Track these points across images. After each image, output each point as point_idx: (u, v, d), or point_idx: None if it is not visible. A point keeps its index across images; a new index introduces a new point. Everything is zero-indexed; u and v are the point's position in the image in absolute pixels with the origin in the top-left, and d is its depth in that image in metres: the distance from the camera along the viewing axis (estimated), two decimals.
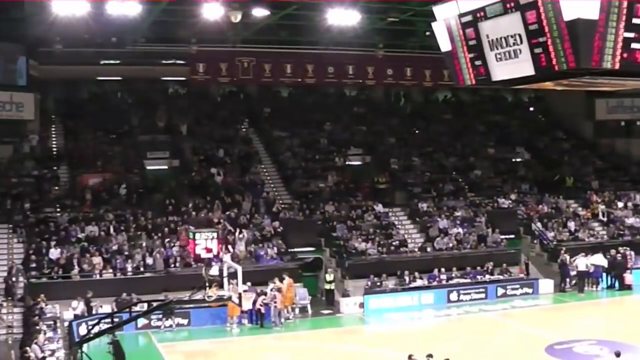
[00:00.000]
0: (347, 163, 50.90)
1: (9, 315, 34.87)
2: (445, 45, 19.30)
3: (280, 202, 46.12)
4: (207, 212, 42.85)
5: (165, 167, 48.06)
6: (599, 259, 41.99)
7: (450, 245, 43.74)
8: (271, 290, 36.27)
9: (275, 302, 35.85)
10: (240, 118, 53.59)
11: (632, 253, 43.22)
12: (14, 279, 35.97)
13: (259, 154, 50.65)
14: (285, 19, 43.24)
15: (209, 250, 37.43)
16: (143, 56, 48.69)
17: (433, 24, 19.38)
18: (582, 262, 41.80)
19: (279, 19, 43.38)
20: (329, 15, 39.84)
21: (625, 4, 15.47)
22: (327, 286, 39.75)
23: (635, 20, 15.70)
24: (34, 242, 38.81)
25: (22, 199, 41.82)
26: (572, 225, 47.20)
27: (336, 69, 51.29)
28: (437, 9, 19.31)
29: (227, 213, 43.06)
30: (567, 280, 42.15)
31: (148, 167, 47.16)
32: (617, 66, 15.75)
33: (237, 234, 41.02)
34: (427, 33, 40.33)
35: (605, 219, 48.66)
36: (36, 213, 41.23)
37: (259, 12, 40.87)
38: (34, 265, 37.41)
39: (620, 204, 50.33)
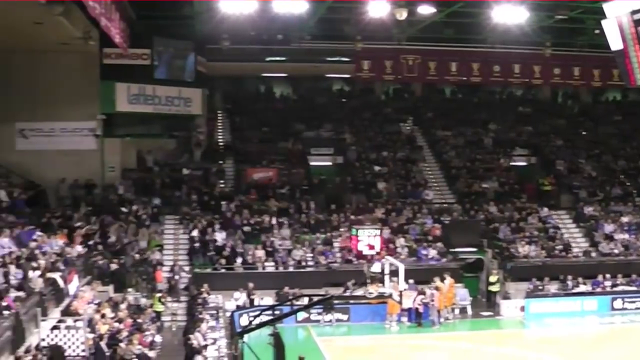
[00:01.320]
0: (511, 164, 50.07)
1: (174, 304, 35.73)
2: (616, 44, 18.80)
3: (444, 202, 45.74)
4: (370, 210, 42.87)
5: (329, 163, 48.33)
6: None
7: (616, 251, 42.38)
8: (430, 289, 36.06)
9: (433, 302, 35.61)
10: (404, 116, 53.37)
11: None
12: (176, 277, 36.80)
13: (422, 153, 50.30)
14: (451, 16, 42.75)
15: (371, 247, 37.57)
16: (308, 53, 48.97)
17: (603, 22, 18.90)
18: None
19: (445, 17, 42.93)
20: (495, 12, 39.20)
21: None
22: (491, 288, 39.17)
23: None
24: (199, 232, 39.65)
25: (189, 191, 42.82)
26: None
27: (502, 68, 50.39)
28: (607, 6, 18.82)
29: (390, 211, 43.00)
30: None
31: (312, 164, 47.51)
32: None
33: (399, 232, 40.98)
34: (597, 31, 39.27)
35: None
36: (202, 205, 42.16)
37: (425, 10, 40.53)
38: (199, 255, 38.28)
39: None
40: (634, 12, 18.60)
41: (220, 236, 38.96)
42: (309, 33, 47.48)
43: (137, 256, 36.95)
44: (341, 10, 43.46)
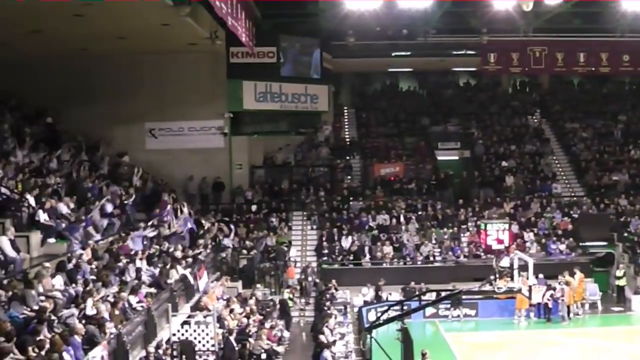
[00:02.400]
0: None
1: (302, 299, 36.06)
2: None
3: (573, 195, 44.98)
4: (498, 204, 42.48)
5: (456, 158, 48.06)
6: None
7: None
8: (560, 284, 35.49)
9: (563, 297, 35.04)
10: (532, 109, 52.68)
11: None
12: (309, 278, 37.07)
13: (551, 146, 49.56)
14: (579, 6, 41.79)
15: (500, 242, 37.20)
16: (434, 47, 48.62)
17: None
18: None
19: (572, 7, 42.04)
20: (624, 0, 38.28)
21: None
22: (618, 282, 38.31)
23: None
24: (326, 229, 40.02)
25: (317, 187, 43.18)
26: None
27: (632, 57, 49.00)
28: None
29: (518, 206, 42.58)
30: None
31: (439, 158, 47.30)
32: None
33: (528, 226, 40.51)
34: None
35: None
36: (329, 201, 42.50)
37: (551, 0, 39.85)
38: (326, 251, 38.60)
39: None
40: None
41: (347, 241, 39.16)
42: (434, 27, 47.15)
43: (265, 253, 37.53)
44: (466, 3, 43.04)
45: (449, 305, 34.57)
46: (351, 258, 38.37)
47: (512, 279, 33.92)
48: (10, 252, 20.08)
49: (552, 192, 44.86)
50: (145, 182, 37.06)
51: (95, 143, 37.57)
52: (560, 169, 47.70)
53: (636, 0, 37.92)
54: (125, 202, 31.32)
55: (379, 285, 35.72)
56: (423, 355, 24.17)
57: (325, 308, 32.41)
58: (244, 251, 37.46)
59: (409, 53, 50.07)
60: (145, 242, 28.79)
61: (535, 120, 52.07)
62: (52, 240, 23.34)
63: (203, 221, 36.60)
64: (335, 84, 49.53)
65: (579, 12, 44.94)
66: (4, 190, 24.34)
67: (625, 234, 41.24)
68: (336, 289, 35.15)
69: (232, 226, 38.38)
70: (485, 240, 37.73)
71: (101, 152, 37.23)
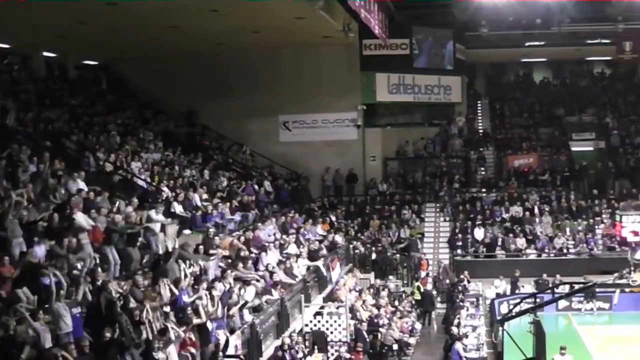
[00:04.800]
0: None
1: (433, 291, 36.20)
2: None
3: None
4: (634, 195, 41.80)
5: (591, 148, 47.41)
6: None
7: None
8: None
9: None
10: None
11: None
12: (441, 277, 37.14)
13: None
14: None
15: (635, 234, 36.68)
16: (568, 37, 48.03)
17: None
18: None
19: None
20: None
21: None
22: None
23: None
24: (459, 220, 40.16)
25: (450, 179, 43.29)
26: None
27: None
28: None
29: None
30: None
31: (574, 149, 46.76)
32: None
33: None
34: None
35: None
36: (463, 193, 42.60)
37: None
38: (459, 243, 38.75)
39: None
40: None
41: (479, 233, 39.18)
42: (568, 16, 46.65)
43: (398, 245, 37.91)
44: None
45: (582, 298, 34.25)
46: (484, 250, 38.44)
47: None
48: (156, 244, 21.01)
49: None
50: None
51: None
52: None
53: None
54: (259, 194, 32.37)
55: (515, 277, 35.64)
56: (562, 349, 24.31)
57: (458, 300, 32.60)
58: (377, 243, 37.91)
59: (543, 43, 49.59)
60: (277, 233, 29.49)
61: None
62: (187, 231, 24.19)
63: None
64: (469, 75, 49.59)
65: None
66: (141, 182, 25.47)
67: None
68: (468, 281, 35.25)
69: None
70: (621, 232, 37.26)
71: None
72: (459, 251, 38.71)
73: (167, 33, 32.07)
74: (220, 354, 17.84)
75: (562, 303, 33.85)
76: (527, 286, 34.91)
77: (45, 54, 36.00)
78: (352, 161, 42.41)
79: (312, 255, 28.93)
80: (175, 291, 17.51)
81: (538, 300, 25.16)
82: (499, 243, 38.50)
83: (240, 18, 30.53)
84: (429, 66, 44.11)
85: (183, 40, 34.10)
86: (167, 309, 16.75)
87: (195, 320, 17.19)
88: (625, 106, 50.76)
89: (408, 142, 45.02)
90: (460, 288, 34.54)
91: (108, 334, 14.37)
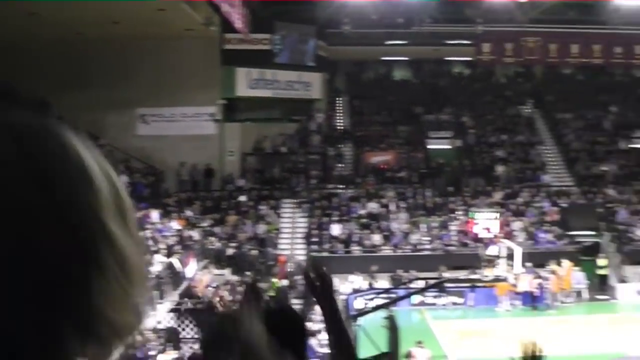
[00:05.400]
0: (632, 146, 49.04)
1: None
2: None
3: (562, 184, 45.27)
4: (488, 193, 42.80)
5: (448, 146, 48.28)
6: None
7: None
8: (547, 272, 35.85)
9: (549, 285, 35.40)
10: (525, 99, 52.90)
11: None
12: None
13: (542, 136, 49.83)
14: None
15: (488, 230, 37.53)
16: (429, 37, 48.79)
17: None
18: None
19: None
20: None
21: None
22: (600, 271, 38.62)
23: None
24: (316, 216, 40.31)
25: (308, 175, 43.42)
26: None
27: (625, 50, 49.36)
28: None
29: (508, 195, 42.88)
30: None
31: (431, 147, 47.52)
32: None
33: (516, 215, 40.85)
34: None
35: None
36: (320, 189, 42.76)
37: None
38: (316, 239, 38.88)
39: None
40: None
41: (336, 228, 39.42)
42: (430, 16, 47.38)
43: (254, 241, 37.81)
44: None
45: (436, 293, 34.86)
46: (340, 246, 38.66)
47: (499, 267, 34.41)
48: None
49: (541, 182, 45.11)
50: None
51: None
52: (550, 159, 47.93)
53: None
54: None
55: (372, 272, 35.94)
56: (419, 342, 24.66)
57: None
58: (234, 239, 37.72)
59: (404, 42, 50.19)
60: None
61: (528, 110, 52.24)
62: None
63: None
64: (330, 72, 49.76)
65: (574, 4, 45.38)
66: None
67: (613, 224, 41.57)
68: None
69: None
70: (473, 229, 38.04)
71: None
72: (315, 247, 38.81)
73: (24, 20, 31.16)
74: None
75: (418, 298, 34.39)
76: (383, 282, 35.28)
77: None
78: (210, 156, 41.94)
79: (168, 251, 28.61)
80: None
81: (393, 295, 25.43)
82: (355, 239, 38.77)
83: (100, 8, 29.92)
84: (290, 62, 44.10)
85: (41, 28, 33.17)
86: None
87: None
88: (482, 106, 51.86)
89: (267, 137, 44.93)
90: None
91: None
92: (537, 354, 4.79)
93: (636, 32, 47.47)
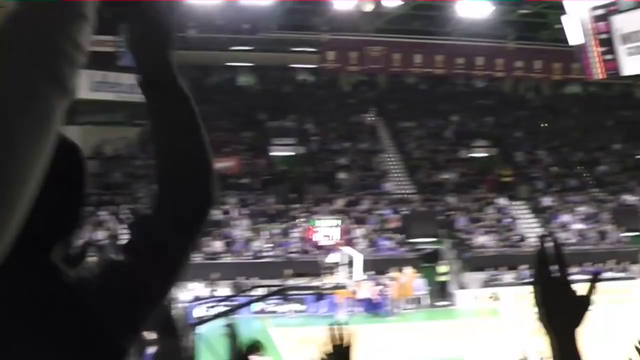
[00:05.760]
0: (472, 155, 50.56)
1: None
2: (575, 38, 19.20)
3: (403, 192, 46.14)
4: (330, 200, 43.22)
5: (292, 153, 48.56)
6: None
7: (571, 240, 43.08)
8: (388, 279, 36.45)
9: (390, 292, 36.01)
10: (368, 107, 53.66)
11: None
12: None
13: (384, 144, 50.68)
14: (417, 9, 43.05)
15: (329, 238, 37.88)
16: (274, 43, 48.97)
17: (563, 17, 19.26)
18: None
19: (411, 9, 43.18)
20: (460, 6, 39.52)
21: None
22: (441, 278, 39.59)
23: None
24: None
25: (150, 180, 42.88)
26: None
27: (466, 60, 50.73)
28: (567, 2, 19.18)
29: (350, 202, 43.41)
30: None
31: (275, 154, 47.68)
32: None
33: (358, 222, 41.38)
34: (558, 26, 39.65)
35: None
36: None
37: (391, 2, 40.75)
38: None
39: None
40: (593, 9, 18.94)
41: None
42: (275, 23, 47.56)
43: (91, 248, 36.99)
44: (308, 1, 43.59)
45: (277, 301, 34.96)
46: None
47: (340, 274, 34.72)
48: None
49: (383, 189, 45.86)
50: None
51: None
52: (392, 167, 48.79)
53: (471, 6, 39.15)
54: None
55: (213, 280, 35.79)
56: (256, 349, 24.58)
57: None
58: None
59: (249, 48, 50.21)
60: None
61: (371, 119, 53.02)
62: None
63: None
64: None
65: (418, 15, 46.26)
66: None
67: (453, 231, 42.72)
68: None
69: None
70: (314, 236, 38.35)
71: None
72: None
73: None
74: None
75: (258, 306, 34.41)
76: (225, 289, 35.16)
77: None
78: None
79: None
80: None
81: (234, 303, 25.41)
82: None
83: None
84: (131, 65, 43.53)
85: None
86: None
87: None
88: (326, 113, 52.29)
89: (108, 141, 44.20)
90: None
91: None
92: (345, 343, 4.79)
93: (477, 43, 48.92)
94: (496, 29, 46.80)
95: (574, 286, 2.65)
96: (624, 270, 41.59)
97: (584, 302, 2.64)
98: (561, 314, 2.65)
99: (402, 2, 41.26)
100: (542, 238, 2.76)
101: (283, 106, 52.06)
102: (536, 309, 2.69)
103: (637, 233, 44.70)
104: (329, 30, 48.00)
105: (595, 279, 2.66)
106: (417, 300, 38.02)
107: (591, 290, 2.66)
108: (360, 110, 53.29)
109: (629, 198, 47.80)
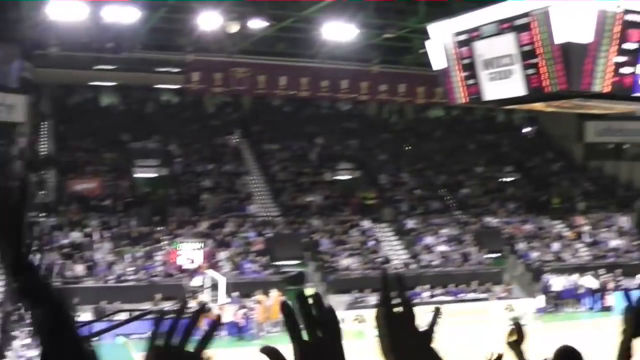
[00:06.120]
0: (337, 177, 50.95)
1: None
2: (438, 63, 19.32)
3: (268, 215, 46.12)
4: (194, 223, 42.87)
5: (155, 175, 47.94)
6: (589, 281, 42.67)
7: (435, 262, 43.85)
8: (253, 302, 36.35)
9: (255, 315, 35.91)
10: (232, 129, 53.53)
11: (616, 275, 43.78)
12: None
13: (249, 166, 50.61)
14: (283, 31, 43.06)
15: (193, 261, 37.57)
16: (138, 63, 48.37)
17: (427, 42, 19.40)
18: (559, 283, 42.43)
19: (276, 31, 43.17)
20: (326, 29, 39.76)
21: (617, 29, 15.59)
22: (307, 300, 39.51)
23: (626, 46, 15.81)
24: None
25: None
26: (556, 245, 47.48)
27: (330, 83, 50.97)
28: (431, 27, 19.30)
29: (214, 225, 43.14)
30: (549, 299, 42.74)
31: (138, 175, 47.03)
32: (607, 90, 15.87)
33: (222, 245, 41.15)
34: (422, 50, 40.18)
35: (589, 241, 48.83)
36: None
37: (257, 24, 40.68)
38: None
39: (606, 226, 50.43)
40: (456, 34, 19.13)
41: (36, 258, 37.99)
42: (140, 42, 46.94)
43: None
44: (173, 21, 43.19)
45: (140, 325, 34.31)
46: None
47: (204, 297, 34.40)
48: None
49: (248, 212, 45.75)
50: None
51: None
52: (257, 189, 48.72)
53: (336, 30, 39.40)
54: None
55: (74, 305, 34.93)
56: None
57: (11, 330, 31.41)
58: None
59: (113, 67, 49.47)
60: None
61: (235, 141, 52.90)
62: None
63: None
64: (35, 95, 48.13)
65: (283, 37, 46.23)
66: None
67: (317, 254, 42.84)
68: (25, 310, 33.98)
69: None
70: (178, 260, 37.95)
71: None
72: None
73: None
74: None
75: (121, 330, 33.75)
76: (87, 314, 34.41)
77: None
78: None
79: None
80: None
81: (96, 328, 24.83)
82: (56, 270, 37.61)
83: None
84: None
85: None
86: None
87: None
88: (190, 135, 51.92)
89: None
90: (16, 317, 33.30)
91: None
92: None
93: (342, 66, 49.32)
94: (361, 53, 47.23)
95: (418, 316, 2.61)
96: (487, 291, 42.58)
97: (427, 336, 2.59)
98: (404, 346, 2.58)
99: (268, 24, 41.16)
100: (384, 272, 2.78)
101: (146, 127, 51.42)
102: (379, 340, 2.62)
103: (499, 254, 45.95)
104: (193, 50, 47.62)
105: (437, 312, 2.63)
106: (282, 323, 37.78)
107: (434, 322, 2.61)
108: (224, 132, 53.14)
109: (491, 220, 49.15)
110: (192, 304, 35.71)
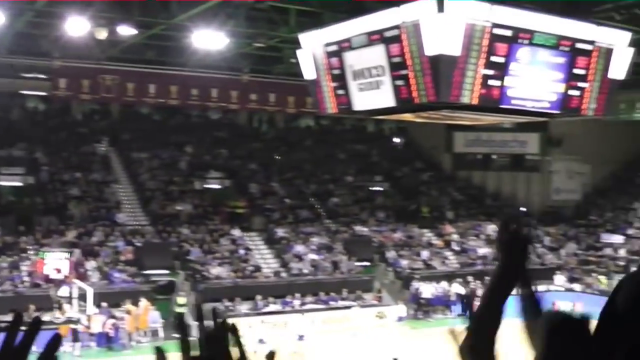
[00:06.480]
0: (206, 186, 50.77)
1: None
2: (309, 73, 19.45)
3: (137, 224, 45.61)
4: (61, 232, 42.06)
5: (21, 183, 46.80)
6: (457, 287, 43.59)
7: (305, 271, 44.09)
8: (121, 312, 35.92)
9: (124, 325, 35.50)
10: (101, 137, 52.78)
11: (484, 282, 44.79)
12: None
13: (117, 174, 49.96)
14: (152, 38, 42.62)
15: (59, 271, 36.83)
16: (4, 68, 47.23)
17: (298, 52, 19.50)
18: (428, 290, 43.17)
19: (146, 39, 42.71)
20: (196, 37, 39.51)
21: (485, 42, 15.92)
22: (179, 309, 39.31)
23: (494, 58, 16.18)
24: None
25: None
26: (425, 253, 48.32)
27: (200, 92, 50.78)
28: (303, 37, 19.42)
29: (82, 234, 42.42)
30: (417, 307, 43.72)
31: (1, 183, 45.85)
32: (475, 101, 16.21)
33: (90, 254, 40.49)
34: (293, 60, 40.34)
35: (458, 249, 49.88)
36: None
37: (126, 31, 40.13)
38: None
39: (474, 235, 51.57)
40: (327, 45, 19.26)
41: None
42: (5, 47, 45.82)
43: None
44: (40, 26, 42.29)
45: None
46: None
47: (71, 308, 33.76)
48: None
49: (116, 221, 45.13)
50: None
51: None
52: (125, 198, 48.14)
53: (206, 38, 39.21)
54: None
55: None
56: None
57: None
58: None
59: None
60: None
61: (103, 149, 52.18)
62: None
63: None
64: None
65: (153, 45, 45.81)
66: None
67: (187, 262, 42.56)
68: None
69: None
70: (44, 269, 37.15)
71: None
72: None
73: None
74: None
75: None
76: None
77: None
78: None
79: None
80: None
81: None
82: None
83: None
84: None
85: None
86: None
87: None
88: (57, 143, 50.96)
89: None
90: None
91: None
92: None
93: (212, 75, 49.18)
94: (231, 61, 47.13)
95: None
96: (358, 298, 43.05)
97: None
98: None
99: (137, 32, 40.68)
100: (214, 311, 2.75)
101: (12, 134, 50.20)
102: None
103: (369, 263, 46.53)
104: (61, 56, 46.73)
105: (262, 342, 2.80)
106: (152, 333, 37.56)
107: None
108: (92, 140, 52.37)
109: (361, 229, 49.73)
110: (60, 315, 35.20)
